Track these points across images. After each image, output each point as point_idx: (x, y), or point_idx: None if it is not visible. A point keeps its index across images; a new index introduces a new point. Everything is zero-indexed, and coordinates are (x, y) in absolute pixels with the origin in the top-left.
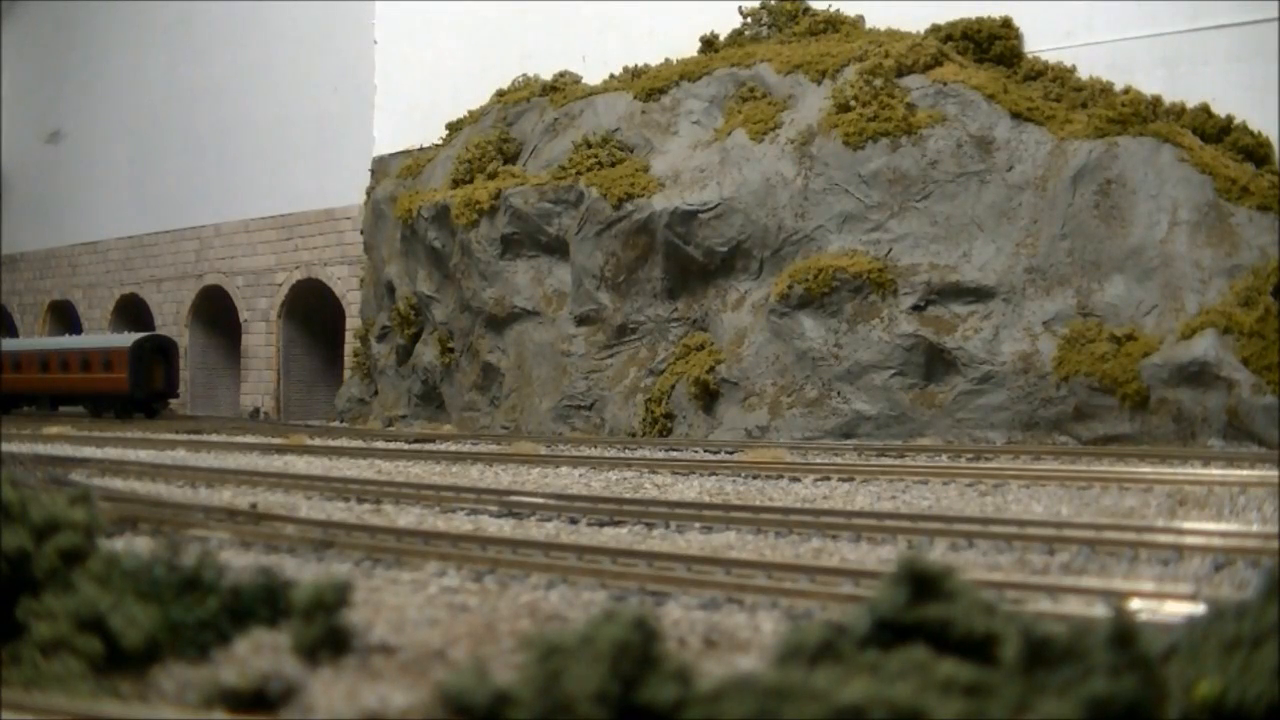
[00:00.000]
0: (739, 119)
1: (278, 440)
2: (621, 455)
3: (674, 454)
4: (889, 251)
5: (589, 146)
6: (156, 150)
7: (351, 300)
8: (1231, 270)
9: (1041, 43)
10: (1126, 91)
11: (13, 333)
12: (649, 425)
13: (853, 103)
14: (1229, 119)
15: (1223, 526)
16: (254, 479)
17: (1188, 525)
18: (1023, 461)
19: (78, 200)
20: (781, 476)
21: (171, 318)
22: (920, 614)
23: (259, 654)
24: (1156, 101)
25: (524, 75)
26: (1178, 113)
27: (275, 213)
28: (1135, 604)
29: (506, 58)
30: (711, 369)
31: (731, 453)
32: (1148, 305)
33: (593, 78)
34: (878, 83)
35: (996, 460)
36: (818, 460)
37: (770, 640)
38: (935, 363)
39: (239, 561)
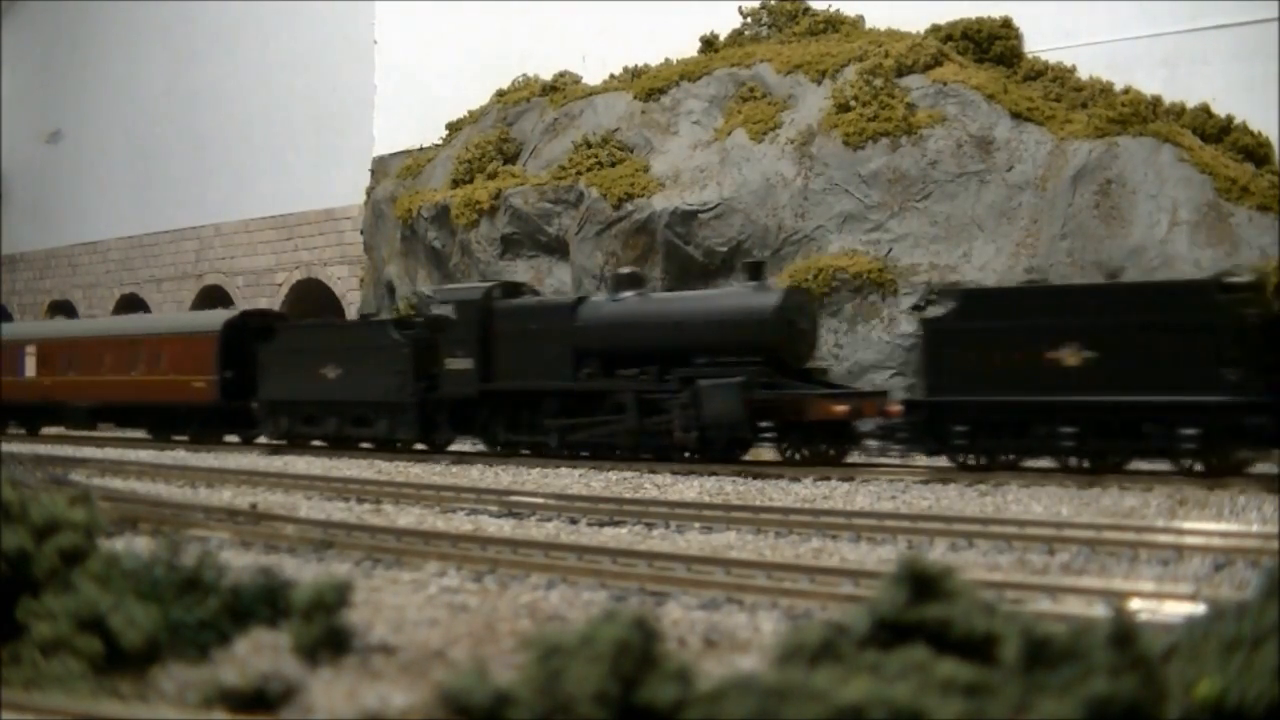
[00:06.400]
0: (739, 119)
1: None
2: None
3: None
4: (889, 251)
5: (589, 146)
6: (156, 150)
7: (351, 300)
8: (1231, 270)
9: (1041, 43)
10: (1126, 91)
11: None
12: None
13: (853, 103)
14: (1229, 119)
15: (1223, 526)
16: (254, 479)
17: (1188, 525)
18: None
19: (78, 200)
20: (781, 476)
21: None
22: (920, 614)
23: (259, 654)
24: (1156, 101)
25: (524, 75)
26: (1178, 113)
27: (275, 213)
28: (1135, 604)
29: (506, 58)
30: None
31: None
32: None
33: (593, 78)
34: (878, 83)
35: None
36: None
37: (770, 640)
38: None
39: (239, 561)
